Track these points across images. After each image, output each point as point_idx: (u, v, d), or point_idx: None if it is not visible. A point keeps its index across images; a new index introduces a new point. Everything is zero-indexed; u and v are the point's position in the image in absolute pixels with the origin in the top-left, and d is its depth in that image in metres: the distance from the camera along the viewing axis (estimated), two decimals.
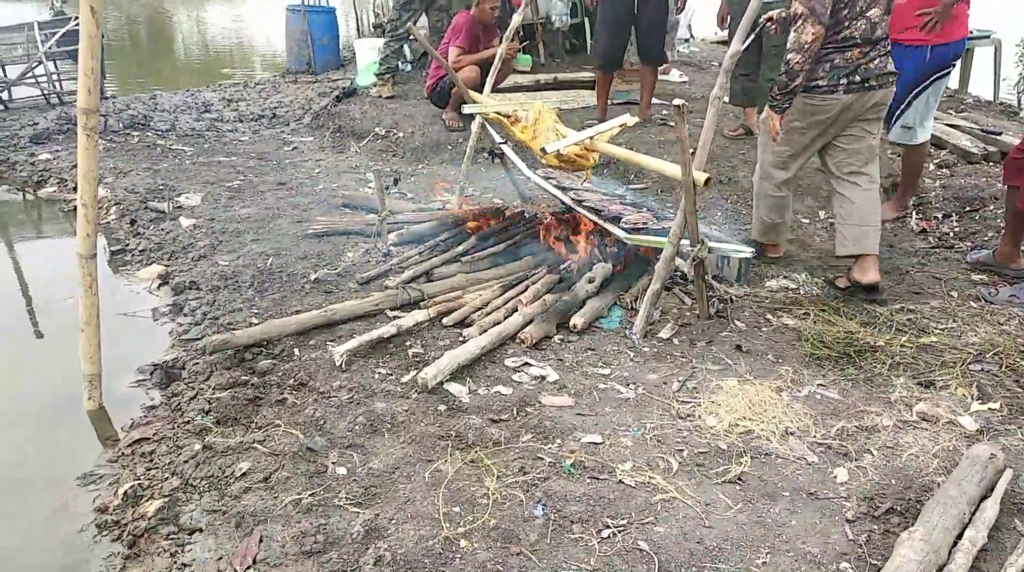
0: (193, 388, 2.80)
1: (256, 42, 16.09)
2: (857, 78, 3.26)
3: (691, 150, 2.81)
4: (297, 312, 3.28)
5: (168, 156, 6.00)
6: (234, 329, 3.13)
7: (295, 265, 3.78)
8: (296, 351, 2.98)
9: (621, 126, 3.56)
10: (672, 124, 5.56)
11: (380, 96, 6.92)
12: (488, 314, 3.21)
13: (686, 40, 9.80)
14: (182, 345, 3.19)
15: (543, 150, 3.39)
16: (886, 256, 3.99)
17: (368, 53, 7.77)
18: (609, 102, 6.07)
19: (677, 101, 2.66)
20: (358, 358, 2.92)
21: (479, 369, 2.85)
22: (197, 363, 2.96)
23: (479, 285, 3.54)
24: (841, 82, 3.27)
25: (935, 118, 5.62)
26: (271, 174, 5.53)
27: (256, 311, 3.34)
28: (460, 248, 3.83)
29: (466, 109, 4.24)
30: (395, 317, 3.23)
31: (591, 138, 3.47)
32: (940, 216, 4.44)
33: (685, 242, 3.11)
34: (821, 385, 2.78)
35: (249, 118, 7.43)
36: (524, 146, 3.91)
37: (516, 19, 4.40)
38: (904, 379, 2.81)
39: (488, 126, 4.56)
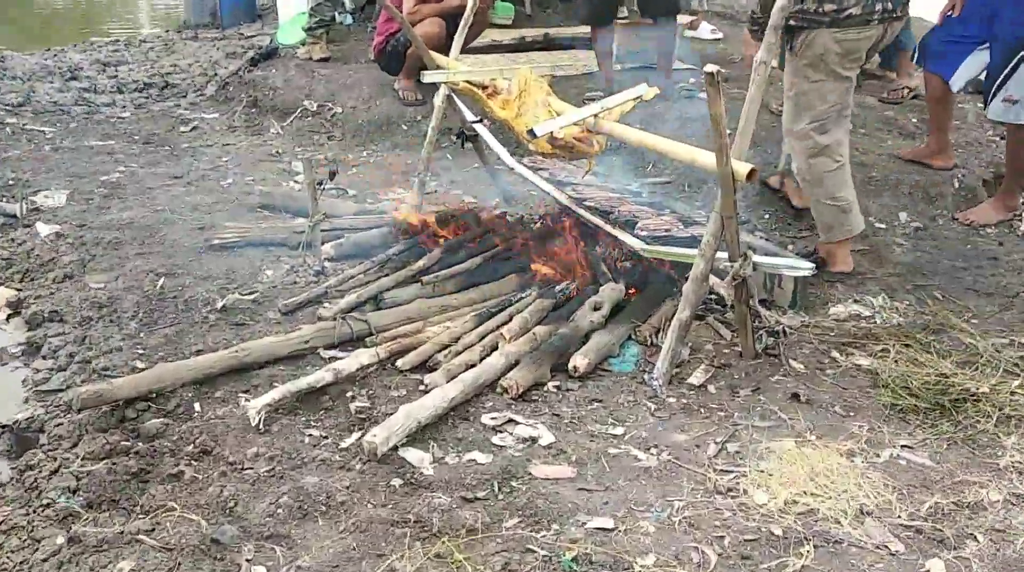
0: (55, 458, 2.76)
1: None
2: (889, 5, 3.61)
3: (729, 131, 2.84)
4: (198, 352, 3.26)
5: (20, 140, 5.97)
6: (112, 377, 3.10)
7: (195, 288, 3.76)
8: (197, 406, 2.95)
9: (635, 100, 3.60)
10: (703, 97, 5.62)
11: (310, 58, 6.96)
12: (458, 354, 3.21)
13: None
14: (40, 399, 3.15)
15: (531, 133, 3.42)
16: (989, 272, 4.05)
17: (295, 3, 7.81)
18: (618, 66, 6.15)
19: (710, 67, 2.70)
20: (281, 415, 2.90)
21: (447, 429, 2.85)
22: (61, 424, 2.92)
23: (446, 314, 3.54)
24: (876, 7, 3.59)
25: None
26: (162, 164, 5.52)
27: (142, 352, 3.32)
28: (419, 264, 3.84)
29: (426, 76, 4.27)
30: (332, 359, 3.21)
31: (595, 116, 3.50)
32: None
33: (722, 255, 3.14)
34: (906, 447, 2.80)
35: (132, 88, 7.45)
36: (505, 127, 3.94)
37: None
38: (1017, 438, 2.84)
39: (456, 99, 4.59)
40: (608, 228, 3.74)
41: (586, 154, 3.61)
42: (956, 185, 4.83)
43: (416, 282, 3.72)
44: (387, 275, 3.79)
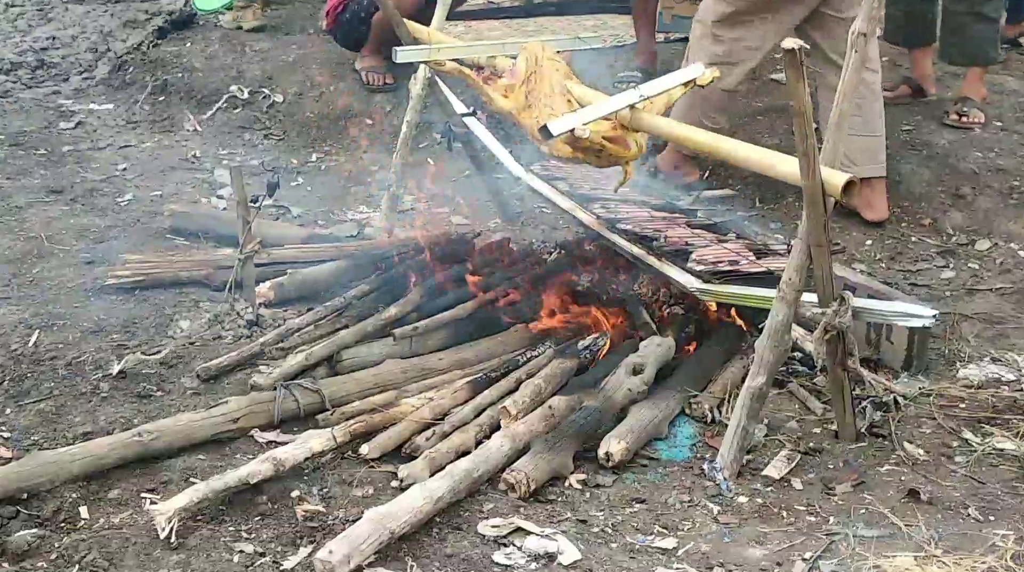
0: None
1: None
2: None
3: (817, 126, 2.87)
4: (86, 436, 3.25)
5: None
6: None
7: (82, 346, 3.77)
8: (84, 511, 2.94)
9: (687, 85, 3.63)
10: (781, 80, 5.68)
11: (239, 28, 7.04)
12: (446, 436, 3.22)
13: None
14: None
15: (544, 131, 3.44)
16: None
17: None
18: (661, 36, 6.20)
19: (790, 41, 2.73)
20: (201, 523, 2.89)
21: (431, 542, 2.84)
22: None
23: (428, 381, 3.55)
24: None
25: None
26: (35, 174, 5.56)
27: (7, 434, 3.31)
28: (392, 311, 3.85)
29: (400, 54, 4.30)
30: (271, 444, 3.22)
31: (631, 107, 3.52)
32: None
33: (809, 298, 3.15)
34: None
35: None
36: (509, 120, 3.98)
37: None
38: None
39: (441, 84, 4.63)
40: (651, 261, 3.76)
41: (620, 159, 3.63)
42: None
43: (387, 336, 3.73)
44: (347, 326, 3.80)
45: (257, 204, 4.01)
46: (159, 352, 3.71)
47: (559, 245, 4.49)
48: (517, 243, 4.57)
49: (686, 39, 6.51)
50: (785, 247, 3.82)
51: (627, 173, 3.75)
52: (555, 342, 3.73)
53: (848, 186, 2.89)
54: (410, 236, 4.53)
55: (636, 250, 3.85)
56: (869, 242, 4.68)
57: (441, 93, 4.69)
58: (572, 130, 3.45)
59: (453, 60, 4.08)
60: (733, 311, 3.78)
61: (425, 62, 4.32)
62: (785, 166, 3.02)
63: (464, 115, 4.69)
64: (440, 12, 4.64)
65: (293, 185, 5.43)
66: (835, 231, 4.65)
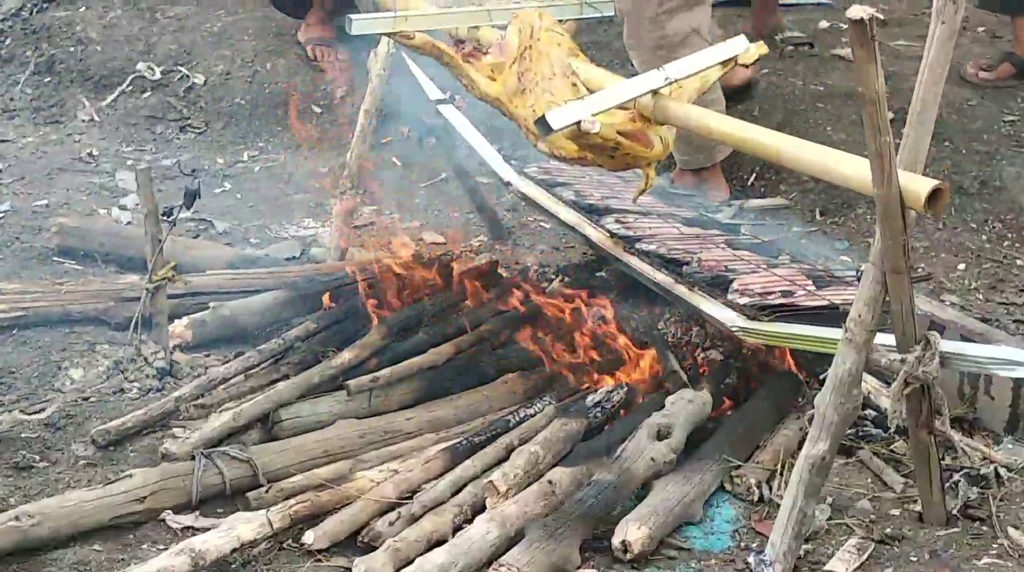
0: None
1: None
2: None
3: (893, 117, 2.87)
4: None
5: None
6: None
7: None
8: None
9: (727, 65, 3.63)
10: (847, 54, 5.70)
11: None
12: (415, 520, 3.20)
13: None
14: None
15: (541, 123, 3.43)
16: None
17: None
18: None
19: (859, 8, 2.72)
20: None
21: None
22: None
23: (392, 448, 3.55)
24: None
25: None
26: None
27: None
28: (345, 357, 3.85)
29: (354, 24, 4.27)
30: (188, 531, 3.20)
31: (654, 93, 3.52)
32: None
33: (885, 340, 3.14)
34: None
35: None
36: (497, 110, 3.98)
37: None
38: None
39: (409, 61, 4.62)
40: (681, 291, 3.77)
41: (640, 160, 3.63)
42: None
43: (339, 389, 3.73)
44: (287, 377, 3.79)
45: (171, 218, 4.00)
46: (43, 410, 3.70)
47: (562, 270, 4.49)
48: (508, 267, 4.57)
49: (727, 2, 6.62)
50: (853, 274, 3.82)
51: (649, 177, 3.74)
52: (556, 397, 3.72)
53: (935, 194, 2.89)
54: (370, 258, 4.52)
55: (661, 277, 3.84)
56: (962, 266, 4.68)
57: (410, 74, 4.68)
58: (578, 123, 3.44)
59: (424, 32, 4.07)
60: (787, 356, 3.76)
61: (388, 34, 4.29)
62: (850, 168, 2.99)
63: (439, 102, 4.69)
64: None
65: (218, 192, 5.44)
66: (919, 252, 4.65)
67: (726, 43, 3.70)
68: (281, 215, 5.20)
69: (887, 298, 3.04)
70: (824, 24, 6.47)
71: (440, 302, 4.18)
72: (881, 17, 2.77)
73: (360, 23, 4.12)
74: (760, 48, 3.66)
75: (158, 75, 6.42)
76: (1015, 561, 3.17)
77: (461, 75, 3.91)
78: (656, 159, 3.66)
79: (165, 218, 3.95)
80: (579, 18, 4.34)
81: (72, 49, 6.70)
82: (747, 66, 3.67)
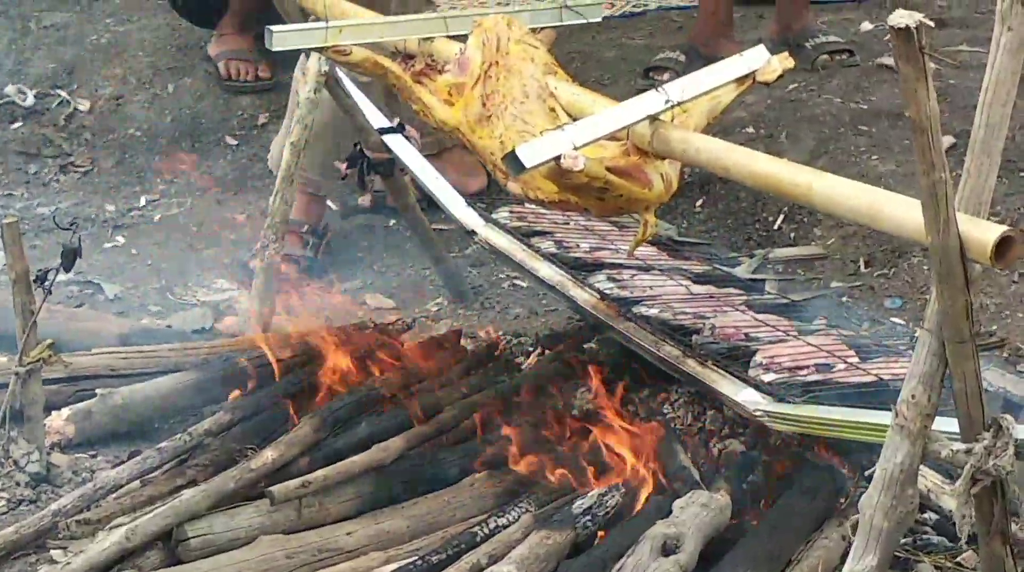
0: None
1: None
2: None
3: (949, 146, 2.88)
4: None
5: None
6: None
7: None
8: None
9: (744, 83, 3.65)
10: (890, 63, 5.74)
11: None
12: None
13: None
14: None
15: (512, 159, 3.44)
16: None
17: None
18: None
19: (902, 15, 2.75)
20: None
21: None
22: None
23: (330, 567, 3.54)
24: None
25: None
26: None
27: None
28: (267, 456, 3.83)
29: (276, 37, 4.29)
30: None
31: (653, 119, 3.54)
32: None
33: (947, 425, 3.14)
34: None
35: None
36: (457, 140, 4.02)
37: None
38: None
39: (347, 80, 4.65)
40: (691, 366, 3.78)
41: (636, 203, 3.65)
42: None
43: (260, 497, 3.71)
44: (194, 482, 3.77)
45: (47, 283, 4.00)
46: None
47: (542, 341, 4.51)
48: (474, 338, 4.59)
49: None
50: (907, 341, 3.83)
51: (647, 224, 3.74)
52: (536, 502, 3.70)
53: (1004, 243, 2.89)
54: (300, 330, 4.54)
55: (667, 349, 3.85)
56: None
57: (348, 97, 4.71)
58: (557, 159, 3.45)
59: (364, 45, 4.10)
60: (824, 447, 3.77)
61: (318, 50, 4.31)
62: (899, 211, 3.01)
63: (385, 132, 4.71)
64: None
65: (108, 247, 5.45)
66: (989, 311, 4.68)
67: (743, 55, 3.72)
68: (187, 276, 5.20)
69: (948, 373, 3.06)
70: (867, 26, 6.53)
71: (388, 385, 4.18)
72: (931, 24, 2.79)
73: (283, 36, 4.14)
74: (784, 61, 3.69)
75: (31, 100, 6.43)
76: None
77: (412, 99, 3.94)
78: (657, 202, 3.66)
79: (39, 283, 3.95)
80: (558, 25, 4.37)
81: None
82: (768, 83, 3.67)
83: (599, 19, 4.53)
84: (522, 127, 3.67)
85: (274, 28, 4.15)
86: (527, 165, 3.36)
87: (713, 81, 3.61)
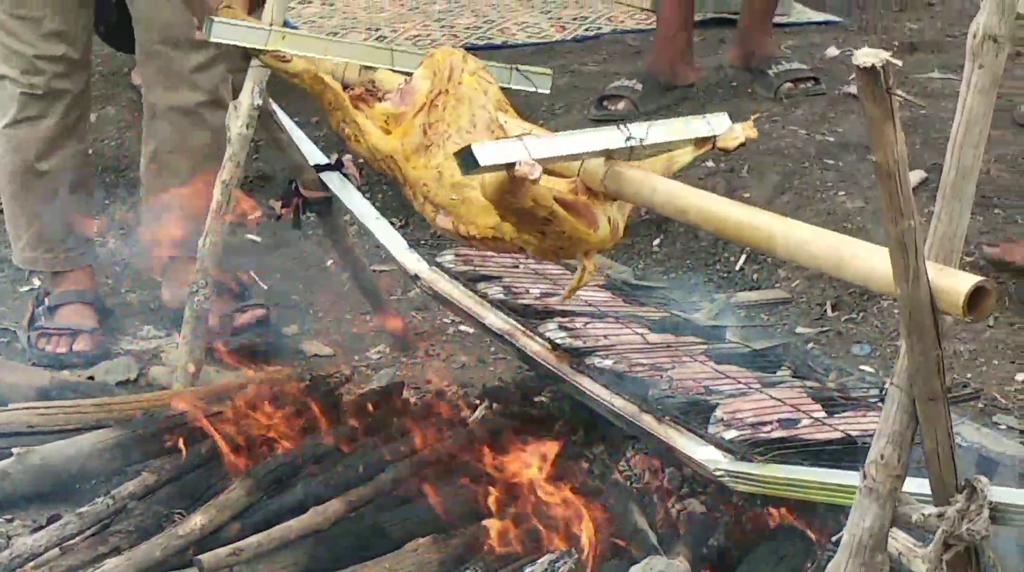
0: None
1: None
2: None
3: (918, 183, 2.87)
4: None
5: None
6: None
7: None
8: None
9: (701, 146, 3.64)
10: (854, 92, 5.78)
11: None
12: None
13: None
14: None
15: (466, 155, 3.40)
16: None
17: None
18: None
19: (867, 54, 2.74)
20: None
21: None
22: None
23: None
24: None
25: None
26: None
27: None
28: (196, 521, 3.79)
29: (216, 28, 4.30)
30: None
31: (609, 156, 3.53)
32: None
33: (916, 487, 3.14)
34: None
35: None
36: (385, 170, 4.07)
37: None
38: None
39: (280, 112, 4.65)
40: (647, 422, 3.76)
41: (579, 245, 3.64)
42: None
43: (189, 566, 3.68)
44: (118, 551, 3.74)
45: None
46: None
47: (489, 394, 4.49)
48: (417, 389, 4.57)
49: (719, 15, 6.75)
50: (878, 393, 3.83)
51: (585, 270, 3.73)
52: (484, 569, 3.69)
53: (977, 294, 2.89)
54: (232, 382, 4.52)
55: (621, 403, 3.82)
56: (1022, 377, 4.71)
57: (283, 133, 4.70)
58: (512, 166, 3.43)
59: (305, 67, 4.12)
60: (790, 509, 3.76)
61: (257, 51, 4.29)
62: (864, 260, 3.01)
63: (323, 168, 4.70)
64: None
65: (24, 290, 5.40)
66: (963, 358, 4.68)
67: (705, 118, 3.72)
68: (111, 322, 5.17)
69: (919, 431, 3.05)
70: (833, 52, 6.56)
71: (326, 443, 4.16)
72: (898, 63, 2.79)
73: (224, 28, 4.21)
74: (749, 130, 3.69)
75: None
76: None
77: (347, 120, 3.96)
78: (599, 246, 3.67)
79: None
80: (512, 88, 4.36)
81: None
82: (728, 150, 3.66)
83: (546, 91, 4.53)
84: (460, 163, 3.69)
85: (216, 19, 4.16)
86: (481, 163, 3.35)
87: (673, 133, 3.60)
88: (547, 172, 3.50)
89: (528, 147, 3.42)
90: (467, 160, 3.35)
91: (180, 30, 4.85)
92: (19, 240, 4.94)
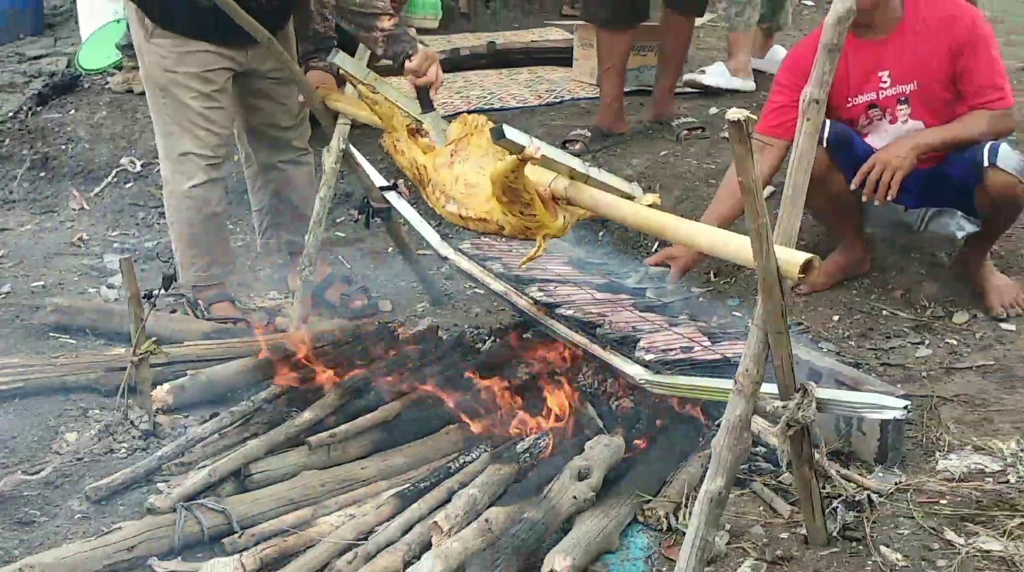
0: None
1: None
2: None
3: (767, 196, 2.92)
4: None
5: None
6: None
7: None
8: None
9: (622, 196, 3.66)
10: (727, 136, 5.81)
11: (130, 91, 7.04)
12: (371, 559, 3.20)
13: None
14: None
15: (498, 131, 3.42)
16: None
17: (102, 6, 7.92)
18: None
19: (735, 112, 2.78)
20: None
21: None
22: None
23: (350, 495, 3.55)
24: None
25: None
26: None
27: None
28: (307, 416, 3.85)
29: (337, 56, 4.43)
30: None
31: (573, 175, 3.57)
32: None
33: (770, 389, 3.18)
34: None
35: None
36: (414, 174, 4.16)
37: None
38: None
39: (357, 154, 4.68)
40: (595, 349, 3.80)
41: (541, 228, 3.66)
42: None
43: (301, 444, 3.73)
44: (256, 435, 3.79)
45: (152, 298, 4.00)
46: (42, 470, 3.67)
47: (493, 333, 4.53)
48: (446, 331, 4.60)
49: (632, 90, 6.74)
50: (743, 330, 3.86)
51: (540, 247, 3.74)
52: (491, 445, 3.74)
53: (807, 265, 2.94)
54: (327, 327, 4.56)
55: (578, 338, 3.88)
56: (836, 318, 4.74)
57: (358, 166, 4.73)
58: (522, 149, 3.49)
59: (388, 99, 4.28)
60: (688, 404, 3.80)
61: (354, 80, 4.42)
62: (735, 245, 3.04)
63: (385, 189, 4.74)
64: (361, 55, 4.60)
65: None
66: (799, 306, 4.72)
67: (632, 183, 3.75)
68: (249, 289, 5.20)
69: (771, 354, 3.10)
70: (714, 110, 6.59)
71: (389, 364, 4.19)
72: (755, 118, 2.84)
73: (340, 56, 4.39)
74: (655, 198, 3.69)
75: (139, 168, 6.42)
76: None
77: (399, 140, 4.14)
78: (555, 232, 3.69)
79: (146, 299, 3.96)
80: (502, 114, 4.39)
81: (63, 146, 6.71)
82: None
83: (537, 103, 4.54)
84: (479, 170, 3.74)
85: (337, 50, 4.44)
86: (507, 136, 3.42)
87: (611, 179, 3.64)
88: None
89: (535, 142, 3.48)
90: (498, 134, 3.41)
91: (281, 118, 4.89)
92: (191, 267, 4.86)
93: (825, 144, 4.43)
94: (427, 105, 4.28)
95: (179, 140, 4.67)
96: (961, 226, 4.85)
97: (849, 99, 4.65)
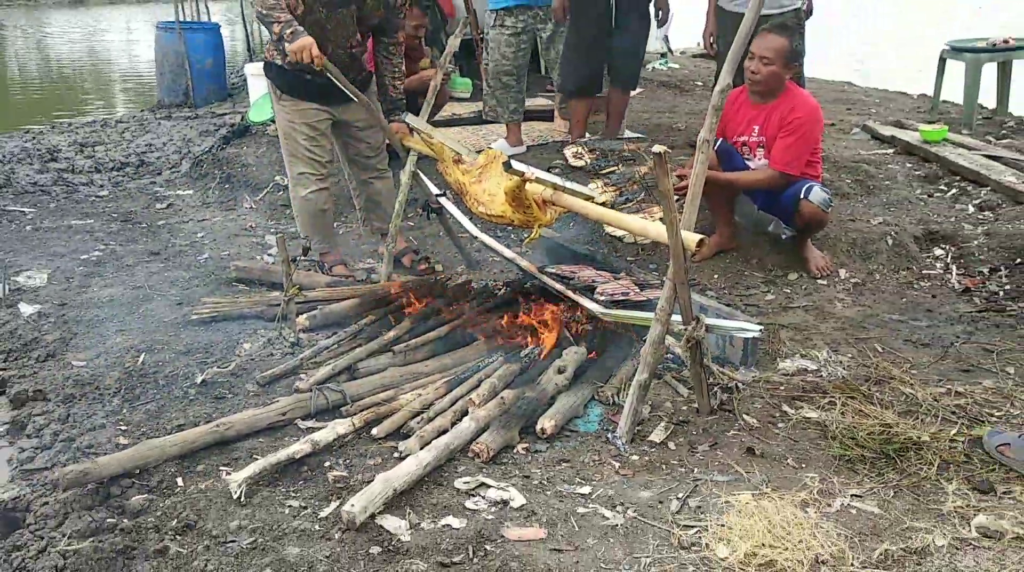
0: (41, 537, 2.72)
1: (118, 66, 16.14)
2: None
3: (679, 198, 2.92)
4: (180, 427, 3.24)
5: (1, 221, 5.93)
6: (96, 454, 3.07)
7: (175, 364, 3.75)
8: (180, 481, 2.93)
9: (588, 199, 3.61)
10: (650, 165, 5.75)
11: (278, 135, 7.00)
12: (431, 421, 3.22)
13: (663, 55, 10.20)
14: (25, 478, 3.09)
15: (507, 166, 3.49)
16: (924, 324, 4.15)
17: (262, 82, 7.87)
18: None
19: (658, 148, 2.78)
20: (262, 487, 2.88)
21: (422, 495, 2.85)
22: (47, 502, 2.87)
23: (417, 382, 3.56)
24: None
25: (971, 148, 5.89)
26: (140, 241, 5.51)
27: (125, 428, 3.29)
28: (391, 334, 3.86)
29: (409, 118, 4.49)
30: (309, 430, 3.21)
31: (555, 188, 3.55)
32: (986, 271, 4.65)
33: (677, 318, 3.19)
34: (856, 496, 2.83)
35: (109, 167, 7.45)
36: (455, 187, 4.11)
37: (453, 42, 4.55)
38: (957, 483, 2.88)
39: (420, 174, 4.66)
40: (569, 293, 3.79)
41: (535, 221, 3.64)
42: (890, 242, 4.94)
43: (388, 351, 3.74)
44: (360, 345, 3.80)
45: (296, 261, 4.01)
46: (230, 366, 3.71)
47: (506, 284, 4.51)
48: (477, 283, 4.60)
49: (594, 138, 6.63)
50: (660, 282, 3.86)
51: (536, 232, 3.73)
52: (504, 352, 3.74)
53: (700, 242, 2.95)
54: (403, 281, 4.54)
55: (558, 286, 3.87)
56: (716, 276, 4.73)
57: (422, 181, 4.72)
58: (523, 174, 3.49)
59: (432, 141, 4.27)
60: (626, 328, 3.80)
61: (417, 128, 4.44)
62: (656, 230, 3.06)
63: (438, 195, 4.72)
64: (424, 115, 4.58)
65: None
66: (693, 270, 4.70)
67: (593, 191, 3.77)
68: (355, 257, 5.19)
69: (678, 296, 3.11)
70: (658, 148, 6.50)
71: (442, 304, 4.17)
72: (670, 150, 2.83)
73: (410, 116, 4.51)
74: (605, 195, 3.69)
75: (286, 183, 6.28)
76: (747, 432, 3.23)
77: (447, 166, 4.12)
78: (546, 223, 3.68)
79: (293, 261, 3.95)
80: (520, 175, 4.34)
81: (239, 169, 6.68)
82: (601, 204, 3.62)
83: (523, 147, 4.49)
84: (496, 186, 3.74)
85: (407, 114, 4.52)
86: (513, 166, 3.55)
87: (578, 189, 3.61)
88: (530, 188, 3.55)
89: (528, 169, 3.51)
90: (507, 165, 3.48)
91: (366, 150, 4.86)
92: (314, 241, 4.82)
93: (715, 151, 4.55)
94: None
95: (297, 165, 4.66)
96: (785, 232, 4.94)
97: (734, 136, 4.67)
